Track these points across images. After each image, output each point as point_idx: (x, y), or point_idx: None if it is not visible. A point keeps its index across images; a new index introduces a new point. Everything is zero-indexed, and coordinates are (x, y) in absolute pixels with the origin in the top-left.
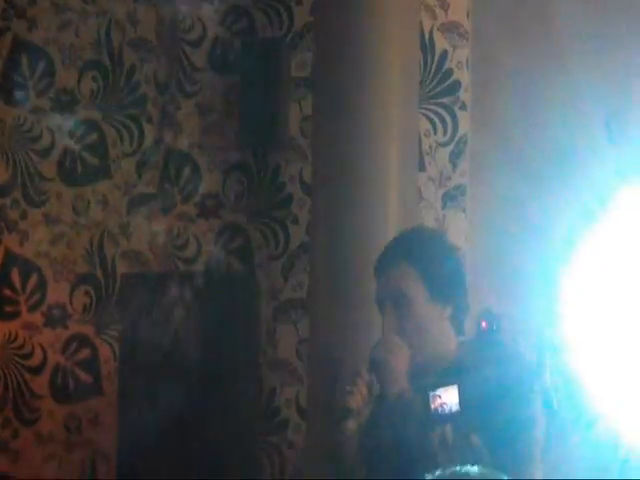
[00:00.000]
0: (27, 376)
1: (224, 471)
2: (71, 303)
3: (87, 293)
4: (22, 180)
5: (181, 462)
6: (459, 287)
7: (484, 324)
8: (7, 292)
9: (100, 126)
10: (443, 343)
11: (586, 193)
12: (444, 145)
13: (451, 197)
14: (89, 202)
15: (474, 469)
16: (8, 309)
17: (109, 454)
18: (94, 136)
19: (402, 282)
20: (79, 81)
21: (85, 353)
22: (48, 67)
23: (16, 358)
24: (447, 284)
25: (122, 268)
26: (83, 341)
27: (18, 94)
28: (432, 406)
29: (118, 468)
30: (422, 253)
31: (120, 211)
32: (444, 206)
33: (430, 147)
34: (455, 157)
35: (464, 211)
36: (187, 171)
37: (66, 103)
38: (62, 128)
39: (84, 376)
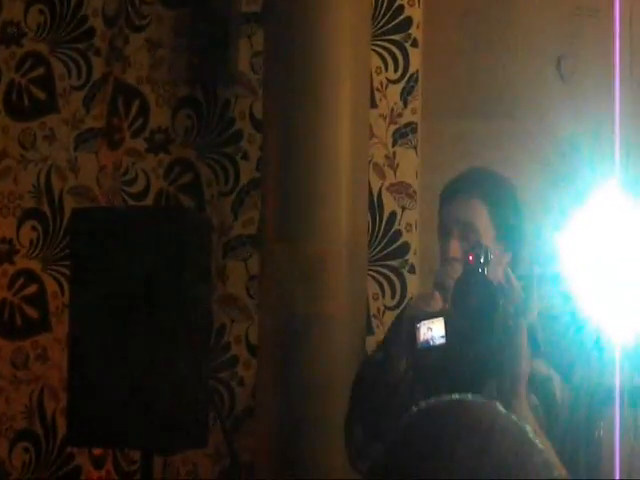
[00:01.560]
0: None
1: (177, 407)
2: (18, 238)
3: (34, 228)
4: None
5: (132, 397)
6: (522, 238)
7: (471, 257)
8: None
9: (47, 59)
10: None
11: (537, 131)
12: (395, 82)
13: (402, 134)
14: (36, 136)
15: (468, 396)
16: None
17: (57, 390)
18: (41, 69)
19: (473, 215)
20: (26, 13)
21: (32, 289)
22: None
23: None
24: (512, 231)
25: (70, 203)
26: (30, 277)
27: None
28: (419, 337)
29: (67, 404)
30: (495, 193)
31: (68, 146)
32: (395, 143)
33: (381, 84)
34: (406, 94)
35: (415, 148)
36: (136, 106)
37: (12, 35)
38: (8, 61)
39: (31, 312)
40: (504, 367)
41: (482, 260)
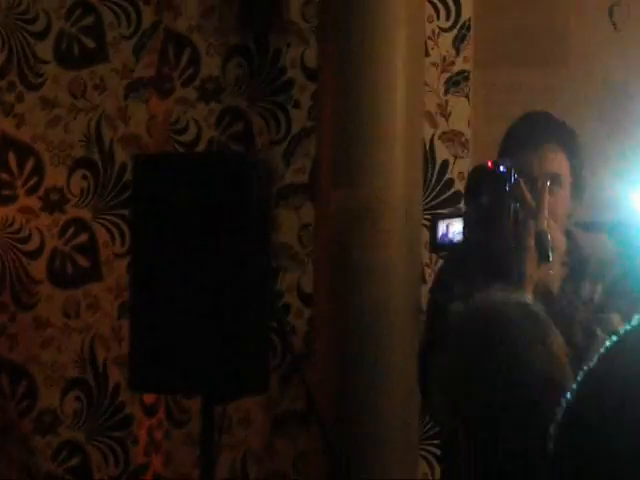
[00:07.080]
0: (24, 260)
1: (239, 353)
2: (68, 187)
3: (85, 177)
4: (18, 62)
5: (194, 343)
6: (585, 189)
7: (490, 163)
8: (3, 176)
9: (96, 8)
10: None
11: (590, 79)
12: (447, 30)
13: (454, 83)
14: (86, 85)
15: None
16: (5, 193)
17: (108, 339)
18: (90, 18)
19: (558, 164)
20: None
21: (83, 238)
22: None
23: (13, 242)
24: (582, 182)
25: (120, 152)
26: (81, 226)
27: None
28: (438, 233)
29: (129, 349)
30: (572, 143)
31: (118, 95)
32: (447, 91)
33: (433, 32)
34: (458, 42)
35: (467, 97)
36: (186, 54)
37: None
38: (57, 10)
39: (82, 261)
40: (512, 266)
41: (499, 167)
